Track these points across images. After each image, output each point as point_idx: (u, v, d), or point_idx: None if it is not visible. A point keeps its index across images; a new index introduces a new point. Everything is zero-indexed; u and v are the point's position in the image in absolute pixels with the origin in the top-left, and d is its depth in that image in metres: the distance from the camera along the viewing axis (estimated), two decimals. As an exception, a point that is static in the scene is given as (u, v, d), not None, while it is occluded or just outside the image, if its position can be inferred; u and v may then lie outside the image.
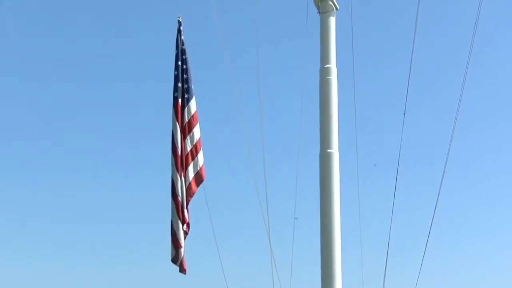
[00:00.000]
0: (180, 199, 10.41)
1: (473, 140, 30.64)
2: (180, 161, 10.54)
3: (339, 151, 10.19)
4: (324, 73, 10.35)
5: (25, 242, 30.42)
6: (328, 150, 10.12)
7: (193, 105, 10.83)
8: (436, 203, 10.53)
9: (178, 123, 10.67)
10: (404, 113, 11.02)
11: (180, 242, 10.30)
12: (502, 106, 33.25)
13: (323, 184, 10.07)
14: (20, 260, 29.23)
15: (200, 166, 10.66)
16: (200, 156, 10.70)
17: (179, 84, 10.78)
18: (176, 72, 10.84)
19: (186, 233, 10.39)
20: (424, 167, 26.74)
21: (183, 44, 10.93)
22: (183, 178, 10.53)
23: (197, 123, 10.81)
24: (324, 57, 10.44)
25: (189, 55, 10.93)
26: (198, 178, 10.63)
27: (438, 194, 10.54)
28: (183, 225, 10.35)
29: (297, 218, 11.58)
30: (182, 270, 10.37)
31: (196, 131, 10.77)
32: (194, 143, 10.71)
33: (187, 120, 10.76)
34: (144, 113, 34.06)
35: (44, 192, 33.00)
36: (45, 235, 31.26)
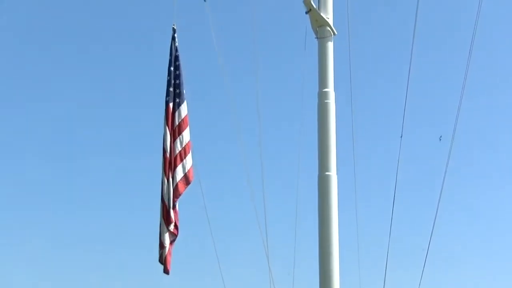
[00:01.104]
0: (166, 200, 10.53)
1: (470, 161, 30.73)
2: (168, 163, 10.67)
3: (337, 174, 10.29)
4: (322, 97, 10.48)
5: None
6: (326, 173, 10.21)
7: (184, 109, 10.95)
8: (433, 225, 10.61)
9: (168, 127, 10.81)
10: (401, 136, 11.15)
11: (164, 242, 10.40)
12: (499, 130, 33.38)
13: (321, 207, 10.15)
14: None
15: (188, 168, 10.74)
16: (189, 158, 10.78)
17: (171, 89, 10.95)
18: (168, 77, 11.03)
19: (173, 234, 10.48)
20: (421, 189, 26.79)
21: (176, 51, 11.12)
22: (170, 180, 10.64)
23: (187, 126, 10.91)
24: (322, 81, 10.57)
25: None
26: (186, 180, 10.69)
27: (435, 216, 10.63)
28: (168, 226, 10.46)
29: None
30: (165, 270, 10.44)
31: (186, 134, 10.86)
32: (183, 146, 10.80)
33: (177, 124, 10.88)
34: (138, 116, 34.10)
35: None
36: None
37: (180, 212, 10.65)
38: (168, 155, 10.69)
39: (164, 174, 10.65)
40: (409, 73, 11.27)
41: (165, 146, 10.74)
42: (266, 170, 11.58)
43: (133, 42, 36.38)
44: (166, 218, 10.49)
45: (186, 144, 10.83)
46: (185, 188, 10.69)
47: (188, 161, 10.78)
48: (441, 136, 11.23)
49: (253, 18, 12.31)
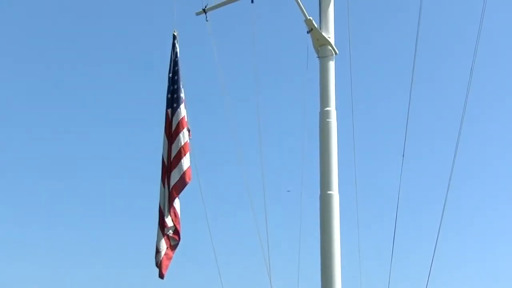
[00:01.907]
0: (162, 207, 10.58)
1: (472, 181, 30.72)
2: (165, 172, 10.70)
3: (339, 192, 10.29)
4: (324, 116, 10.50)
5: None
6: (328, 192, 10.22)
7: (181, 111, 10.96)
8: (436, 244, 10.58)
9: (166, 135, 10.87)
10: (403, 155, 11.15)
11: (159, 247, 10.44)
12: (500, 149, 33.41)
13: (323, 226, 10.14)
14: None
15: (185, 169, 10.69)
16: (186, 158, 10.73)
17: (169, 96, 11.03)
18: (168, 85, 11.13)
19: (173, 239, 10.52)
20: (424, 207, 26.77)
21: (176, 56, 11.19)
22: (166, 186, 10.65)
23: (184, 127, 10.89)
24: (323, 100, 10.60)
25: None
26: (182, 181, 10.65)
27: (438, 235, 10.60)
28: (163, 230, 10.49)
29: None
30: (160, 275, 10.45)
31: (183, 135, 10.83)
32: (180, 147, 10.77)
33: (174, 127, 10.89)
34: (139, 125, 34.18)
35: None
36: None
37: (184, 230, 10.69)
38: (166, 163, 10.73)
39: (161, 182, 10.72)
40: (410, 92, 11.31)
41: (163, 155, 10.80)
42: (268, 189, 11.58)
43: (132, 50, 36.66)
44: (161, 224, 10.53)
45: (184, 144, 10.79)
46: (182, 189, 10.65)
47: (186, 161, 10.73)
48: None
49: (255, 37, 12.36)
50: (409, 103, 11.28)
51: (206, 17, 11.88)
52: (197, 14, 11.99)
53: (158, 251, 10.52)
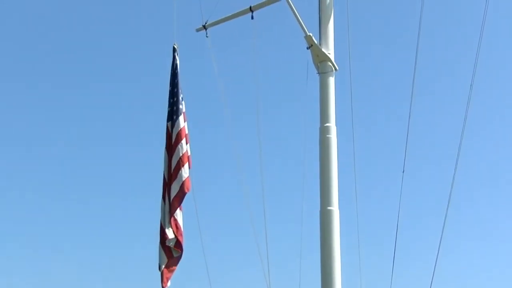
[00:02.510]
0: (162, 221, 10.59)
1: (472, 198, 30.68)
2: (165, 188, 10.72)
3: (339, 208, 10.28)
4: (324, 131, 10.52)
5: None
6: (328, 208, 10.21)
7: (180, 122, 10.99)
8: (436, 260, 10.56)
9: (166, 148, 10.90)
10: (403, 171, 11.15)
11: (161, 263, 10.48)
12: (501, 163, 33.38)
13: (323, 242, 10.13)
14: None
15: (183, 179, 10.69)
16: (184, 169, 10.74)
17: (169, 109, 11.09)
18: (168, 98, 11.18)
19: (176, 251, 10.53)
20: (424, 223, 26.74)
21: (176, 68, 11.22)
22: (166, 199, 10.66)
23: (183, 138, 10.91)
24: (323, 116, 10.62)
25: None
26: (181, 192, 10.66)
27: (438, 250, 10.59)
28: (163, 244, 10.49)
29: None
30: (162, 286, 10.48)
31: (182, 147, 10.85)
32: (178, 159, 10.78)
33: (174, 140, 10.90)
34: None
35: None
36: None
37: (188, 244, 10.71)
38: (166, 178, 10.76)
39: (162, 199, 10.74)
40: (410, 107, 11.33)
41: (164, 172, 10.82)
42: (268, 205, 11.57)
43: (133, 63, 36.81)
44: (162, 240, 10.53)
45: (182, 155, 10.81)
46: (182, 200, 10.66)
47: (184, 172, 10.74)
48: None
49: (255, 53, 12.40)
50: (409, 118, 11.31)
51: (207, 33, 11.93)
52: (197, 30, 12.04)
53: (160, 268, 10.53)
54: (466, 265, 29.78)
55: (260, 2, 11.61)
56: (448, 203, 10.70)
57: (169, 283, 10.54)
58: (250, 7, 11.61)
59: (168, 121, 11.09)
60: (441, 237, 10.63)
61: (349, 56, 11.50)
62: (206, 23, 11.96)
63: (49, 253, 31.36)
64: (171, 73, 11.28)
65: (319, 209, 10.31)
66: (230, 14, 11.83)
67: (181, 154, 10.81)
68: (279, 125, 29.13)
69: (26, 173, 34.27)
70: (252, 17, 11.61)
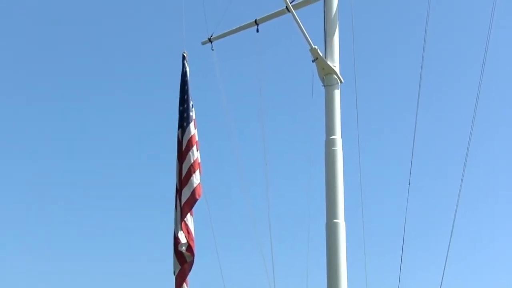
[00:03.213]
0: (174, 228, 10.62)
1: (478, 210, 30.57)
2: (178, 197, 10.74)
3: (345, 221, 10.25)
4: (329, 144, 10.50)
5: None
6: (334, 220, 10.18)
7: (191, 128, 11.02)
8: (443, 272, 10.52)
9: (178, 157, 10.92)
10: (409, 183, 11.12)
11: (176, 270, 10.55)
12: (508, 175, 33.26)
13: (329, 254, 10.10)
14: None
15: (194, 186, 10.72)
16: (196, 176, 10.77)
17: (179, 116, 11.11)
18: (179, 105, 11.19)
19: (188, 256, 10.54)
20: (430, 235, 26.64)
21: (185, 76, 11.24)
22: (178, 206, 10.69)
23: (194, 145, 10.94)
24: (329, 129, 10.60)
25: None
26: (193, 198, 10.69)
27: (445, 263, 10.55)
28: (176, 249, 10.53)
29: None
30: None
31: (193, 153, 10.88)
32: (189, 165, 10.80)
33: (185, 147, 10.93)
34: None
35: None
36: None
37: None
38: (178, 187, 10.79)
39: (175, 208, 10.75)
40: (416, 119, 11.32)
41: (176, 183, 10.84)
42: (274, 219, 11.55)
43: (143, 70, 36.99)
44: (176, 249, 10.56)
45: (193, 162, 10.84)
46: (193, 205, 10.70)
47: (195, 179, 10.77)
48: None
49: (260, 66, 12.43)
50: (415, 130, 11.29)
51: (212, 47, 11.97)
52: (203, 43, 12.08)
53: (174, 273, 10.60)
54: (473, 278, 29.65)
55: (265, 15, 11.66)
56: (455, 215, 10.68)
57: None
58: (255, 20, 11.66)
59: (178, 128, 11.10)
60: (448, 250, 10.60)
61: (355, 69, 11.52)
62: (211, 36, 12.01)
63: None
64: (181, 80, 11.29)
65: (325, 222, 10.29)
66: (236, 27, 11.88)
67: (192, 161, 10.84)
68: (284, 138, 29.13)
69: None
70: (257, 30, 11.66)
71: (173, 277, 10.57)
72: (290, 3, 10.95)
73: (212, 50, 12.00)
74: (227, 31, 11.95)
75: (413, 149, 11.21)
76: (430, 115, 27.93)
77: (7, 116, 35.67)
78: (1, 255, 31.23)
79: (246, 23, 11.75)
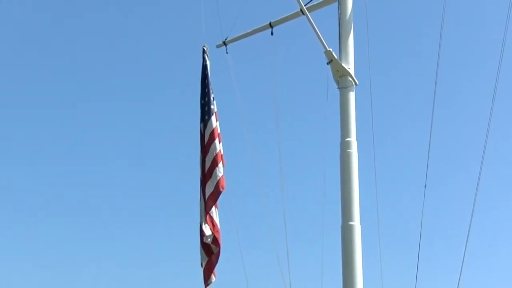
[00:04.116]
0: (200, 220, 10.71)
1: (495, 213, 30.38)
2: (202, 189, 10.82)
3: (360, 223, 10.22)
4: (344, 146, 10.47)
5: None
6: (350, 223, 10.15)
7: (213, 121, 11.07)
8: (460, 275, 10.46)
9: (201, 151, 10.99)
10: (425, 186, 11.07)
11: (203, 263, 10.65)
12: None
13: (345, 257, 10.07)
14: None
15: (218, 178, 10.79)
16: (219, 168, 10.84)
17: (200, 110, 11.17)
18: (200, 100, 11.25)
19: (214, 247, 10.63)
20: (447, 238, 26.51)
21: (206, 69, 11.26)
22: (202, 198, 10.77)
23: (216, 137, 11.00)
24: (344, 131, 10.58)
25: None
26: (217, 190, 10.76)
27: (461, 268, 10.49)
28: (202, 238, 10.61)
29: None
30: (204, 284, 10.67)
31: (215, 146, 10.95)
32: (212, 158, 10.87)
33: (207, 140, 10.98)
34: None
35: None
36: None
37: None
38: (201, 179, 10.85)
39: (200, 200, 10.83)
40: (432, 121, 11.28)
41: (201, 176, 10.91)
42: (289, 221, 11.54)
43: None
44: (201, 236, 10.65)
45: (216, 155, 10.91)
46: (217, 198, 10.76)
47: (219, 171, 10.84)
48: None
49: (275, 69, 12.43)
50: (431, 132, 11.25)
51: (227, 50, 11.99)
52: (218, 46, 12.10)
53: (202, 266, 10.71)
54: (490, 280, 29.46)
55: (279, 18, 11.66)
56: (471, 217, 10.61)
57: (214, 279, 10.69)
58: (270, 23, 11.67)
59: (201, 122, 11.15)
60: (464, 252, 10.54)
61: (369, 71, 11.50)
62: (226, 39, 12.03)
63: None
64: (201, 73, 11.31)
65: (340, 224, 10.26)
66: (250, 30, 11.89)
67: (215, 154, 10.91)
68: (299, 140, 29.14)
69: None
70: (272, 33, 11.66)
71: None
72: (305, 5, 10.94)
73: (227, 53, 12.02)
74: (241, 34, 11.97)
75: (429, 150, 11.17)
76: (446, 116, 27.83)
77: (24, 116, 36.04)
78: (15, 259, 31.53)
79: (260, 26, 11.76)
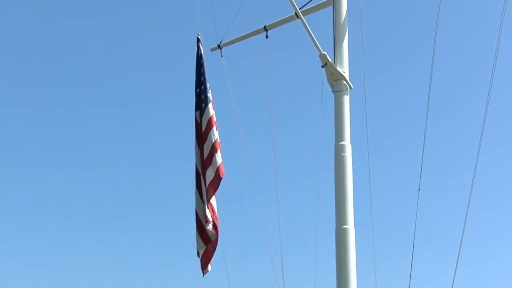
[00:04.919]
0: (196, 207, 10.74)
1: (488, 216, 30.43)
2: (199, 178, 10.85)
3: (354, 227, 10.23)
4: (339, 150, 10.48)
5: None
6: (344, 226, 10.16)
7: (210, 110, 11.09)
8: (454, 279, 10.48)
9: (197, 139, 11.03)
10: (419, 189, 11.08)
11: (199, 250, 10.69)
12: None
13: (339, 260, 10.07)
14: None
15: (218, 165, 10.81)
16: (218, 155, 10.89)
17: (196, 99, 11.19)
18: (195, 89, 11.24)
19: (212, 234, 10.62)
20: (441, 241, 26.54)
21: (201, 58, 11.28)
22: (203, 183, 10.78)
23: (213, 125, 11.03)
24: (338, 135, 10.59)
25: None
26: (217, 178, 10.77)
27: (455, 271, 10.50)
28: (200, 228, 10.64)
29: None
30: (202, 272, 10.73)
31: (213, 133, 10.98)
32: (211, 145, 10.91)
33: (205, 127, 11.00)
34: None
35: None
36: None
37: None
38: (198, 169, 10.91)
39: (196, 188, 10.87)
40: (426, 125, 11.29)
41: (196, 163, 10.96)
42: (284, 224, 11.54)
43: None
44: (199, 228, 10.65)
45: (214, 142, 10.94)
46: (217, 185, 10.77)
47: (218, 158, 10.87)
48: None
49: (269, 72, 12.43)
50: (425, 136, 11.26)
51: (221, 53, 11.99)
52: (212, 50, 12.11)
53: (198, 253, 10.74)
54: (484, 285, 29.50)
55: (274, 21, 11.67)
56: (465, 220, 10.63)
57: (209, 268, 10.72)
58: (265, 26, 11.68)
59: (196, 110, 11.14)
60: (458, 256, 10.55)
61: (364, 74, 11.52)
62: (221, 43, 12.03)
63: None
64: (196, 62, 11.30)
65: (334, 228, 10.27)
66: (245, 34, 11.90)
67: (213, 141, 10.92)
68: (294, 143, 29.14)
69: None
70: (266, 36, 11.67)
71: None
72: (299, 9, 10.95)
73: (222, 56, 12.02)
74: (236, 37, 11.97)
75: (423, 153, 11.17)
76: (440, 120, 27.84)
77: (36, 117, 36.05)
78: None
79: (255, 29, 11.77)
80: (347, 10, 11.04)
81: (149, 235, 32.39)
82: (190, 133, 11.30)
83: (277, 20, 11.68)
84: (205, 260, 10.68)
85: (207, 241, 10.66)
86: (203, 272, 10.71)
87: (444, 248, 25.57)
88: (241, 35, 11.92)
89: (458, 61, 32.41)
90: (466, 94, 32.37)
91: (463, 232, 10.57)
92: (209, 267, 10.69)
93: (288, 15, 11.41)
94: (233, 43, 12.02)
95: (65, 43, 37.61)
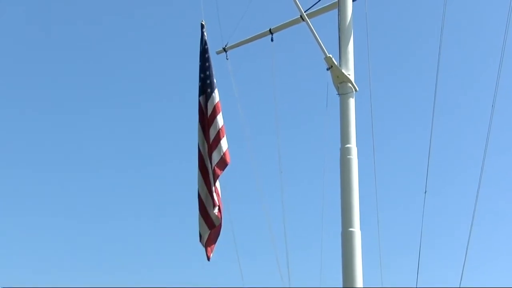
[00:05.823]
0: (199, 190, 10.72)
1: (495, 219, 30.36)
2: (201, 159, 10.85)
3: (360, 229, 10.21)
4: (344, 152, 10.47)
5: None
6: (350, 229, 10.14)
7: (215, 96, 11.06)
8: (460, 282, 10.46)
9: (200, 121, 11.02)
10: (425, 192, 11.06)
11: (202, 232, 10.60)
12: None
13: (345, 263, 10.05)
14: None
15: (224, 151, 10.80)
16: (224, 141, 10.88)
17: (200, 83, 11.14)
18: (200, 74, 11.22)
19: (217, 218, 10.59)
20: (447, 244, 26.50)
21: (206, 44, 11.25)
22: (209, 166, 10.77)
23: (219, 112, 11.00)
24: (344, 137, 10.57)
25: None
26: (223, 163, 10.75)
27: (462, 272, 10.48)
28: (204, 215, 10.62)
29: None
30: (207, 257, 10.68)
31: (219, 119, 10.96)
32: (217, 130, 10.89)
33: (210, 112, 10.98)
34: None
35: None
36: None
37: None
38: (202, 151, 10.90)
39: (198, 170, 10.85)
40: (432, 127, 11.28)
41: (199, 143, 10.94)
42: (289, 227, 11.54)
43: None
44: (202, 210, 10.61)
45: (220, 128, 10.92)
46: (223, 170, 10.77)
47: (224, 144, 10.86)
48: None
49: (274, 75, 12.45)
50: (431, 138, 11.25)
51: (227, 56, 12.02)
52: (218, 53, 12.13)
53: (201, 236, 10.66)
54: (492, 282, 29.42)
55: (279, 24, 11.68)
56: (472, 223, 10.61)
57: (211, 254, 10.70)
58: (270, 30, 11.69)
59: (200, 95, 11.11)
60: (465, 258, 10.54)
61: (369, 77, 11.51)
62: (226, 46, 12.05)
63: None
64: (201, 48, 11.28)
65: (340, 230, 10.26)
66: (250, 37, 11.91)
67: (219, 126, 10.92)
68: (299, 146, 29.14)
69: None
70: (272, 39, 11.68)
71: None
72: (305, 12, 10.96)
73: (227, 59, 12.04)
74: (241, 40, 11.99)
75: (429, 156, 11.17)
76: (446, 121, 27.84)
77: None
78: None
79: (260, 32, 11.79)
80: (352, 13, 11.03)
81: (149, 235, 32.47)
82: (190, 134, 11.32)
83: (282, 23, 11.69)
84: (209, 245, 10.66)
85: (211, 225, 10.62)
86: (208, 256, 10.67)
87: (451, 250, 25.53)
88: (246, 38, 11.94)
89: (463, 62, 32.41)
90: (472, 95, 32.36)
91: (469, 234, 10.56)
92: (212, 254, 10.68)
93: (293, 18, 11.42)
94: (238, 46, 12.04)
95: (65, 43, 37.71)
